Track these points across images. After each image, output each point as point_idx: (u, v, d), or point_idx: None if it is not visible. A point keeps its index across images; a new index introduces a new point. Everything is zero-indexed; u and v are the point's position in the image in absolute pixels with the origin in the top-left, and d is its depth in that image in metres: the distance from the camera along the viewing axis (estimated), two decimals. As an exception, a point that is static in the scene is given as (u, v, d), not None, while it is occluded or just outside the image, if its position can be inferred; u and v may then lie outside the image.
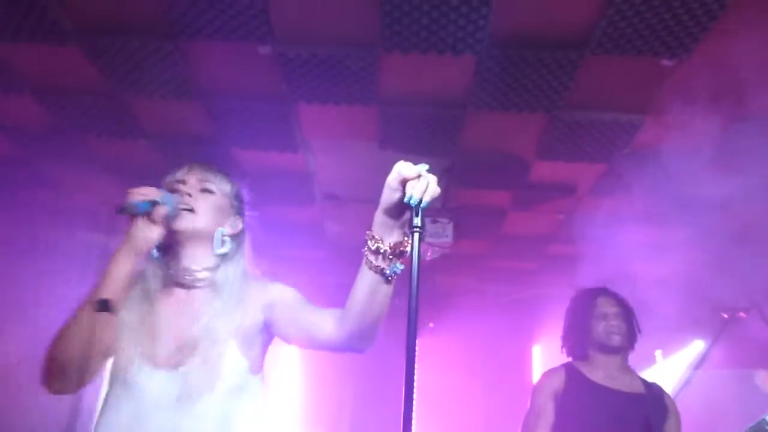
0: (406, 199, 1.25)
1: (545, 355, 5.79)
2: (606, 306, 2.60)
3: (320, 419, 5.52)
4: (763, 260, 3.83)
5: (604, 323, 2.55)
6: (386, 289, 1.38)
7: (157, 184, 1.57)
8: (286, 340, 1.57)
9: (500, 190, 3.72)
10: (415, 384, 1.17)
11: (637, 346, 2.64)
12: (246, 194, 1.77)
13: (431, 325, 5.36)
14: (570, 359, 2.65)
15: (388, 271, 1.35)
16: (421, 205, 1.24)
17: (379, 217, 1.34)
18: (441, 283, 5.15)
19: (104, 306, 1.44)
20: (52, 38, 2.58)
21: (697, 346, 4.91)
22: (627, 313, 2.61)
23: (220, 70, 2.80)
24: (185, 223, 1.55)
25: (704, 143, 3.10)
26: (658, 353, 5.36)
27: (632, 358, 2.64)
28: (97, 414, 1.51)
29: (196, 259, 1.57)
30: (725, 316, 3.93)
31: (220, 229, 1.60)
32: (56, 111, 3.17)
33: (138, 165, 3.67)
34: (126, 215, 1.48)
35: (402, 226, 1.34)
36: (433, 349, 5.56)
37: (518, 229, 4.21)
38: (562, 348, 2.70)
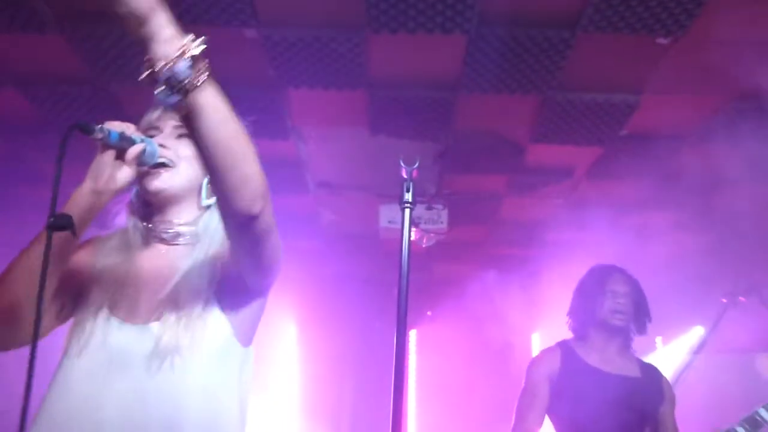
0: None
1: (545, 343, 5.76)
2: (617, 284, 2.52)
3: (320, 414, 5.50)
4: (761, 243, 3.79)
5: (611, 301, 2.48)
6: (197, 123, 1.06)
7: None
8: (242, 265, 1.30)
9: (495, 174, 3.67)
10: (406, 365, 1.13)
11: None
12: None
13: (429, 313, 5.33)
14: (570, 337, 2.60)
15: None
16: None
17: None
18: (438, 271, 5.11)
19: (64, 221, 1.16)
20: (32, 27, 2.53)
21: (697, 332, 4.88)
22: (637, 297, 2.54)
23: (206, 56, 2.74)
24: (161, 182, 1.34)
25: (701, 123, 3.05)
26: (658, 340, 5.33)
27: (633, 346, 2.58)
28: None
29: (177, 213, 1.39)
30: (724, 300, 3.89)
31: (205, 181, 1.38)
32: (42, 103, 3.11)
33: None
34: (92, 139, 1.23)
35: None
36: (431, 337, 5.55)
37: (515, 214, 4.16)
38: (567, 323, 2.65)
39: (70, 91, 3.01)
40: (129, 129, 1.29)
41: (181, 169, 1.36)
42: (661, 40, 2.48)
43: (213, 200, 1.37)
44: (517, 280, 4.97)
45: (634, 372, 2.50)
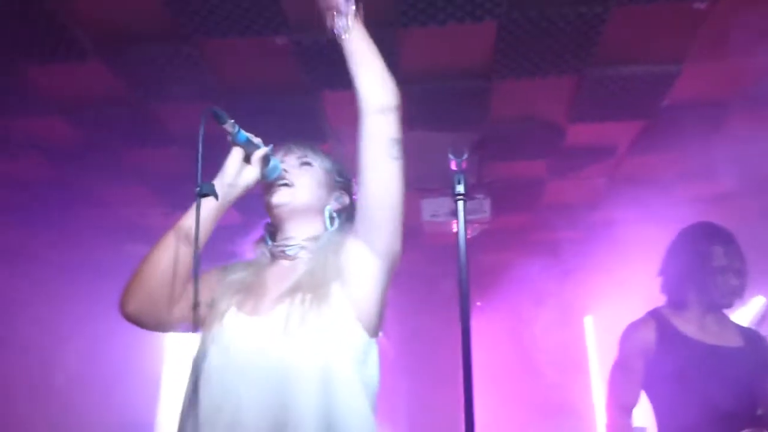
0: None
1: (598, 325, 5.67)
2: (736, 260, 2.29)
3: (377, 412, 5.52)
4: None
5: (724, 279, 2.26)
6: (363, 40, 1.55)
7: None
8: (380, 206, 1.51)
9: (535, 159, 3.62)
10: (472, 359, 1.13)
11: None
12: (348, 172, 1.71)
13: (479, 303, 5.31)
14: (662, 304, 2.40)
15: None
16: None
17: None
18: (485, 261, 5.08)
19: (209, 189, 1.37)
20: (74, 56, 2.61)
21: (757, 302, 4.73)
22: (745, 269, 2.30)
23: (240, 68, 2.79)
24: (284, 196, 1.54)
25: (745, 88, 2.96)
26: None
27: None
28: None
29: (297, 228, 1.56)
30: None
31: (328, 207, 1.59)
32: (85, 127, 3.21)
33: (172, 172, 3.70)
34: (220, 125, 1.44)
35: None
36: (482, 328, 5.51)
37: (558, 198, 4.10)
38: (661, 287, 2.43)
39: (111, 114, 3.10)
40: (256, 139, 1.53)
41: (299, 190, 1.56)
42: (698, 5, 2.41)
43: (336, 226, 1.58)
44: (565, 264, 4.91)
45: (736, 341, 2.26)
